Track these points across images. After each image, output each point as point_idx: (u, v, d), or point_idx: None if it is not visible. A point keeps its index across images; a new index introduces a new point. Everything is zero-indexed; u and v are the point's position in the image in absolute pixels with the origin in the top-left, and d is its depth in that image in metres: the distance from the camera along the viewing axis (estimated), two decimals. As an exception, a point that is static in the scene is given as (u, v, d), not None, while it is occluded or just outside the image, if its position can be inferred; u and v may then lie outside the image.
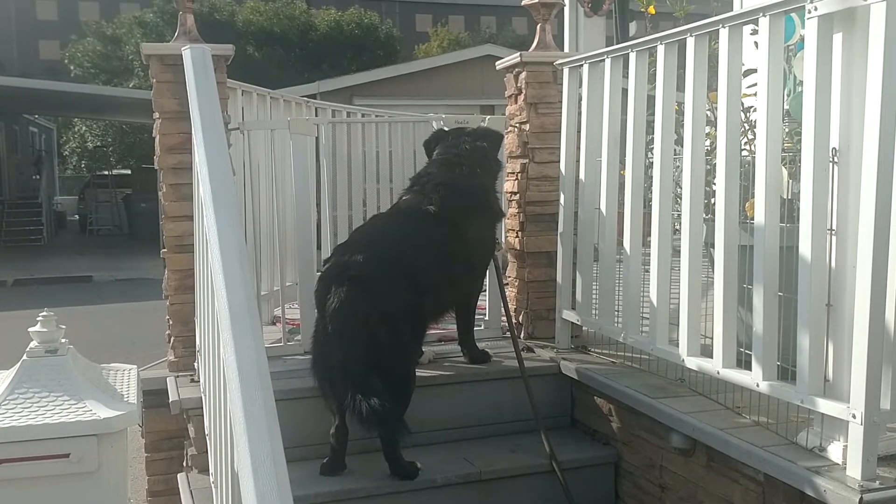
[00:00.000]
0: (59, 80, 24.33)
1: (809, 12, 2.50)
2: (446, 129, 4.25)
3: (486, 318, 4.50)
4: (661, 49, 3.29)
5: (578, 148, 4.05)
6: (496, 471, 3.50)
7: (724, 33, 2.92)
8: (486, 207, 3.90)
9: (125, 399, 3.50)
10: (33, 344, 3.46)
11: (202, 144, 2.83)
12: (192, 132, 3.03)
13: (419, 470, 3.35)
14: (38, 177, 26.97)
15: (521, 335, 4.38)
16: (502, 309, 4.20)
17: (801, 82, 2.73)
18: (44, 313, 3.47)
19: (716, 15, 2.99)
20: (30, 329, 3.47)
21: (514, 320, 4.39)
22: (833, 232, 2.53)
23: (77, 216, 27.71)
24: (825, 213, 2.53)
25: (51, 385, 3.31)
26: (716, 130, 3.06)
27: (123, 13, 33.57)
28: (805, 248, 2.56)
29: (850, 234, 2.46)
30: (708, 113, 3.28)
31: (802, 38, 2.74)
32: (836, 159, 2.50)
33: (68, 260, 18.55)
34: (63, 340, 3.50)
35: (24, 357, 3.45)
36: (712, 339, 3.06)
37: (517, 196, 4.41)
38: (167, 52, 3.82)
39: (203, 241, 2.75)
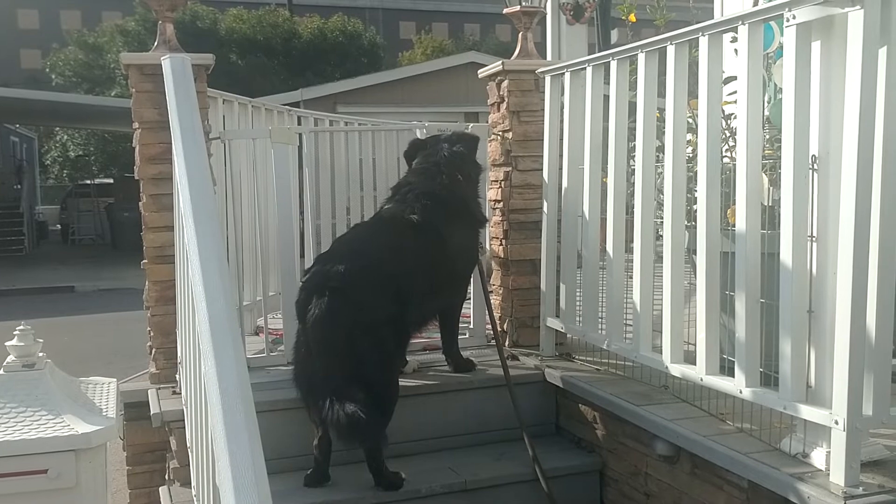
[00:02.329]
0: (41, 89, 24.15)
1: (788, 21, 2.52)
2: (422, 137, 4.24)
3: (471, 326, 4.49)
4: (641, 57, 3.30)
5: (561, 156, 4.06)
6: (481, 480, 3.48)
7: (703, 41, 2.93)
8: (468, 216, 3.88)
9: (104, 413, 3.47)
10: (10, 358, 3.42)
11: (182, 154, 2.80)
12: (172, 142, 3.00)
13: (404, 480, 3.33)
14: (19, 186, 26.72)
15: (506, 343, 4.37)
16: (487, 317, 4.20)
17: (781, 90, 2.75)
18: (21, 327, 3.43)
19: (696, 23, 3.00)
20: (6, 343, 3.43)
21: (498, 328, 4.40)
22: (814, 238, 2.54)
23: (59, 226, 27.48)
24: (805, 219, 2.55)
25: (28, 400, 3.27)
26: (697, 137, 3.07)
27: (105, 22, 33.38)
28: (786, 254, 2.57)
29: (831, 240, 2.47)
30: (689, 120, 3.29)
31: (782, 46, 2.75)
32: (815, 166, 2.51)
33: (50, 270, 18.38)
34: (41, 354, 3.47)
35: (1, 372, 3.41)
36: (695, 345, 3.07)
37: (501, 204, 4.41)
38: (147, 61, 3.79)
39: (183, 252, 2.72)
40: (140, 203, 3.91)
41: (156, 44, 3.93)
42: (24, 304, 13.49)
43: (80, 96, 24.27)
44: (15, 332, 3.43)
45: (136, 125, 3.87)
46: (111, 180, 27.27)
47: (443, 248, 3.68)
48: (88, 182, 27.99)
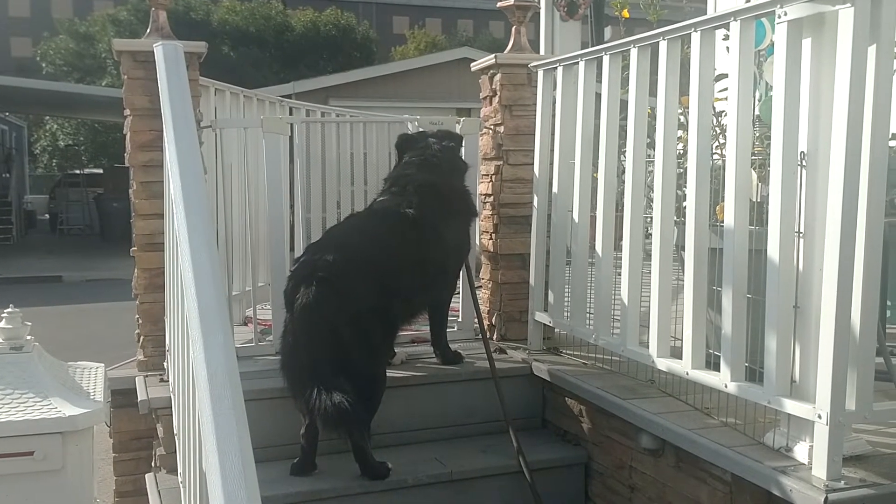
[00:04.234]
0: (31, 78, 23.99)
1: (779, 17, 2.54)
2: (412, 131, 4.25)
3: (460, 319, 4.50)
4: (634, 52, 3.31)
5: (552, 150, 4.07)
6: (467, 471, 3.50)
7: (696, 37, 2.95)
8: (465, 209, 3.91)
9: (91, 397, 3.46)
10: (-2, 340, 3.42)
11: (173, 142, 2.80)
12: (164, 130, 3.00)
13: (390, 470, 3.34)
14: (7, 175, 26.54)
15: (494, 337, 4.39)
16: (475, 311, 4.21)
17: (772, 87, 2.76)
18: (9, 310, 3.43)
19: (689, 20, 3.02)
20: (-6, 326, 3.43)
21: (487, 322, 4.42)
22: (801, 235, 2.56)
23: (47, 215, 27.30)
24: (793, 216, 2.57)
25: (15, 382, 3.27)
26: (687, 134, 3.09)
27: (97, 10, 33.22)
28: (773, 250, 2.59)
29: (818, 236, 2.50)
30: (680, 117, 3.30)
31: (773, 43, 2.77)
32: (804, 163, 2.54)
33: (38, 259, 18.28)
34: (29, 337, 3.46)
35: (-11, 354, 3.40)
36: (682, 340, 3.09)
37: (491, 198, 4.42)
38: (139, 48, 3.78)
39: (173, 239, 2.72)
40: (130, 190, 3.90)
41: (148, 31, 3.92)
42: (10, 294, 13.35)
43: (70, 85, 24.12)
44: (3, 315, 3.42)
45: (127, 112, 3.86)
46: (101, 170, 27.12)
47: (436, 241, 3.69)
48: (78, 172, 27.83)
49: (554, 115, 4.05)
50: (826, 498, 2.35)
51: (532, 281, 4.20)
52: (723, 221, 2.88)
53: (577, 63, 3.78)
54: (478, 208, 4.43)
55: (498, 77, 4.32)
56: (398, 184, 3.80)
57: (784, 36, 2.54)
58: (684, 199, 3.14)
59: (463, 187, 3.94)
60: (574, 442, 3.76)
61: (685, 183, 3.10)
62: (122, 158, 3.97)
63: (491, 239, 4.43)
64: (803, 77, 2.52)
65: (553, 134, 4.06)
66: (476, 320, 4.22)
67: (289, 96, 13.88)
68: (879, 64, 2.38)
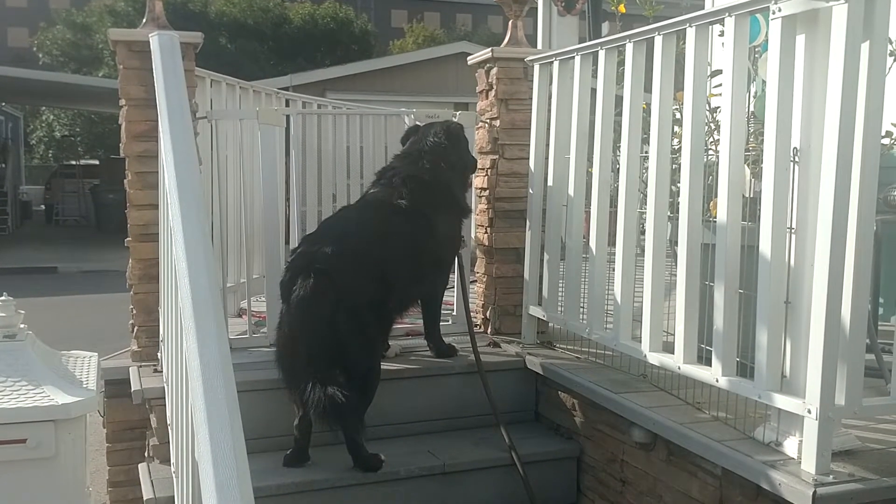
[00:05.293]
0: (28, 68, 23.91)
1: (774, 13, 2.54)
2: (419, 123, 4.24)
3: (454, 313, 4.51)
4: (629, 47, 3.32)
5: (548, 145, 4.07)
6: (460, 463, 3.51)
7: (690, 32, 2.96)
8: (451, 202, 3.89)
9: (84, 385, 3.47)
10: (-9, 329, 3.42)
11: (168, 132, 2.80)
12: (159, 120, 3.00)
13: (383, 462, 3.35)
14: (3, 165, 26.45)
15: (488, 330, 4.40)
16: (471, 305, 4.21)
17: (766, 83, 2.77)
18: (2, 298, 3.43)
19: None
20: (-13, 314, 3.43)
21: (482, 316, 4.43)
22: (793, 230, 2.57)
23: (43, 206, 27.25)
24: (785, 211, 2.58)
25: (8, 370, 3.27)
26: (682, 130, 3.09)
27: (94, 1, 33.10)
28: (765, 245, 2.60)
29: (809, 232, 2.51)
30: (675, 112, 3.31)
31: (768, 39, 2.78)
32: (796, 159, 2.54)
33: (33, 250, 18.26)
34: (22, 326, 3.47)
35: (-18, 342, 3.40)
36: (674, 335, 3.10)
37: (487, 192, 4.42)
38: (135, 38, 3.78)
39: (168, 230, 2.73)
40: (125, 180, 3.90)
41: (144, 21, 3.91)
42: (5, 284, 13.28)
43: (67, 75, 24.04)
44: (-4, 304, 3.43)
45: (122, 102, 3.86)
46: (97, 161, 27.06)
47: (427, 233, 3.70)
48: (74, 163, 27.78)
49: (550, 110, 4.05)
50: (814, 492, 2.37)
51: (526, 275, 4.21)
52: (716, 217, 2.89)
53: (573, 57, 3.78)
54: (473, 202, 4.43)
55: (494, 71, 4.32)
56: (385, 176, 3.82)
57: (778, 32, 2.55)
58: (678, 195, 3.15)
59: (449, 180, 3.89)
60: (567, 435, 3.78)
61: (679, 178, 3.11)
62: (118, 149, 3.96)
63: (486, 233, 4.44)
64: (797, 73, 2.53)
65: (549, 128, 4.06)
66: (474, 314, 4.22)
67: (286, 89, 13.84)
68: (872, 60, 2.39)
